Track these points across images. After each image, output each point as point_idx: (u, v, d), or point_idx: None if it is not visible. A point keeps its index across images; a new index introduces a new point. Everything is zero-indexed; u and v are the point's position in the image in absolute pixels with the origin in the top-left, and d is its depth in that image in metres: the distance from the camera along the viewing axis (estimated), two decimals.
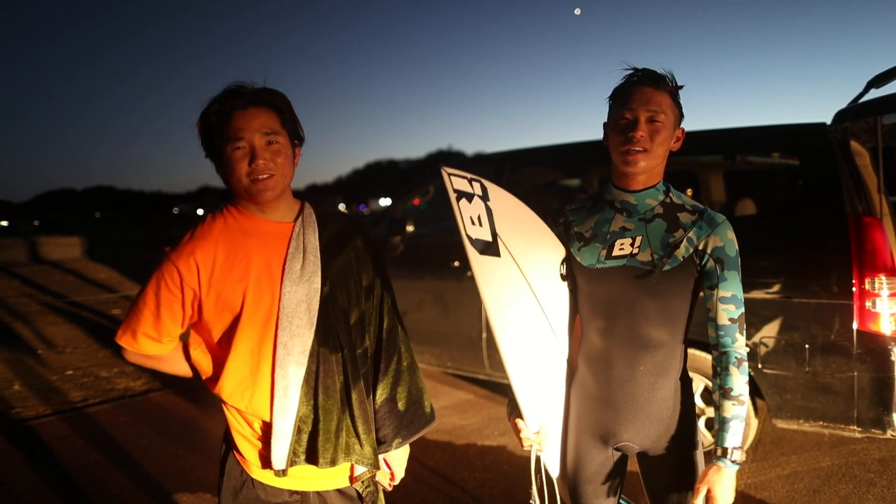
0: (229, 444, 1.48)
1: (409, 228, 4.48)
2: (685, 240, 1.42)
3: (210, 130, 1.35)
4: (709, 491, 1.37)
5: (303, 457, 1.37)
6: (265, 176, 1.33)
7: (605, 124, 1.52)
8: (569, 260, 1.56)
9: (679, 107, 1.47)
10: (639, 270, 1.44)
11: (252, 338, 1.35)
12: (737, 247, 1.43)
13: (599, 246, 1.49)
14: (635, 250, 1.45)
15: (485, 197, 1.44)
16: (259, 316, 1.34)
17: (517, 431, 1.48)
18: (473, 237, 1.35)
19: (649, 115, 1.40)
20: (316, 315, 1.37)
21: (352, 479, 1.47)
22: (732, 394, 1.39)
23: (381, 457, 1.53)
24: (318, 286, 1.38)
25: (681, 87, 1.46)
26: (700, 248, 1.42)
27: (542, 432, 1.47)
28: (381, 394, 1.51)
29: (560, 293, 1.56)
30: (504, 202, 1.51)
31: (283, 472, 1.37)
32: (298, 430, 1.36)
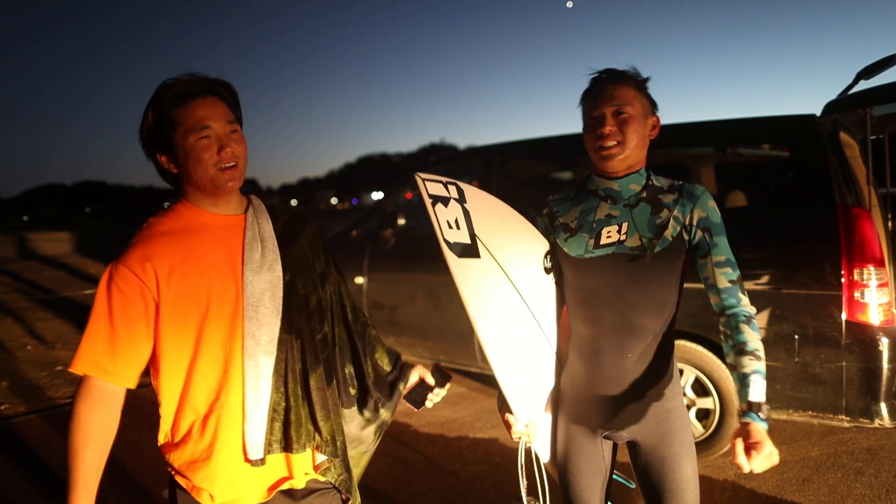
0: (180, 490, 1.39)
1: (401, 222, 4.47)
2: (671, 219, 1.44)
3: (163, 121, 1.29)
4: (751, 445, 1.22)
5: (276, 446, 1.35)
6: (232, 164, 1.32)
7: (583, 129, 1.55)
8: (555, 251, 1.56)
9: (647, 95, 1.49)
10: (629, 256, 1.44)
11: (221, 332, 1.32)
12: (719, 213, 1.47)
13: (586, 235, 1.49)
14: (623, 237, 1.46)
15: (461, 199, 1.43)
16: (227, 308, 1.32)
17: (508, 426, 1.50)
18: (451, 241, 1.34)
19: (614, 110, 1.44)
20: (281, 302, 1.37)
21: (315, 467, 1.46)
22: (748, 349, 1.34)
23: (418, 374, 1.64)
24: (280, 274, 1.38)
25: (646, 79, 1.49)
26: (687, 223, 1.45)
27: (532, 425, 1.49)
28: (381, 359, 1.62)
29: (545, 286, 1.56)
30: (481, 202, 1.50)
31: (262, 461, 1.34)
32: (272, 420, 1.34)
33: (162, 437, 1.40)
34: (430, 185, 1.38)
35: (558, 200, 1.60)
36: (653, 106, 1.50)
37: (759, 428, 1.26)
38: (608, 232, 1.47)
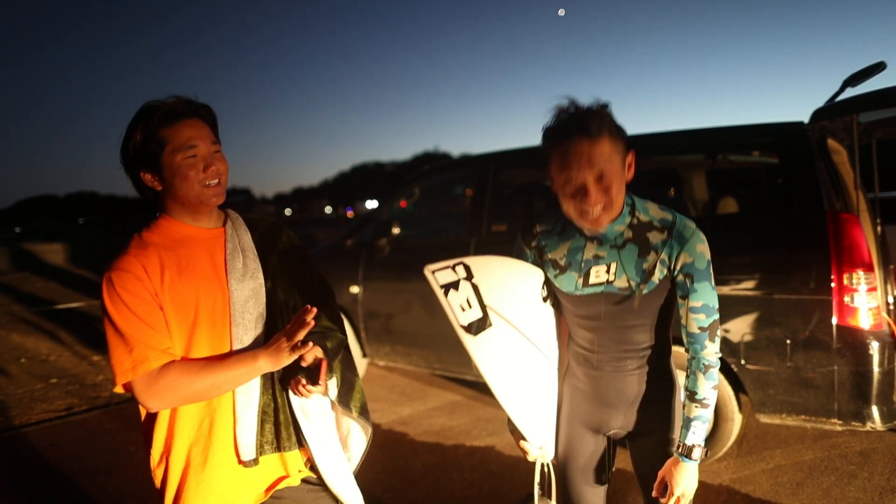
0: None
1: (396, 231, 4.49)
2: (658, 262, 1.43)
3: (150, 139, 1.35)
4: (667, 481, 1.46)
5: (268, 447, 1.42)
6: (216, 182, 1.40)
7: (547, 167, 1.44)
8: (548, 283, 1.58)
9: (619, 136, 1.38)
10: (618, 297, 1.46)
11: (211, 338, 1.39)
12: (708, 256, 1.43)
13: (575, 274, 1.51)
14: (612, 277, 1.46)
15: (469, 276, 1.49)
16: (215, 316, 1.39)
17: (524, 452, 1.58)
18: (465, 324, 1.43)
19: (596, 174, 1.35)
20: (264, 308, 1.44)
21: (306, 463, 1.52)
22: (697, 397, 1.45)
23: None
24: (262, 281, 1.46)
25: (610, 115, 1.37)
26: (672, 266, 1.44)
27: (547, 446, 1.58)
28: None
29: (546, 318, 1.61)
30: (485, 269, 1.53)
31: (255, 462, 1.41)
32: (262, 421, 1.41)
33: (156, 454, 1.44)
34: (440, 275, 1.46)
35: (545, 233, 1.57)
36: (625, 143, 1.40)
37: (684, 468, 1.43)
38: (597, 272, 1.48)
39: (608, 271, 1.46)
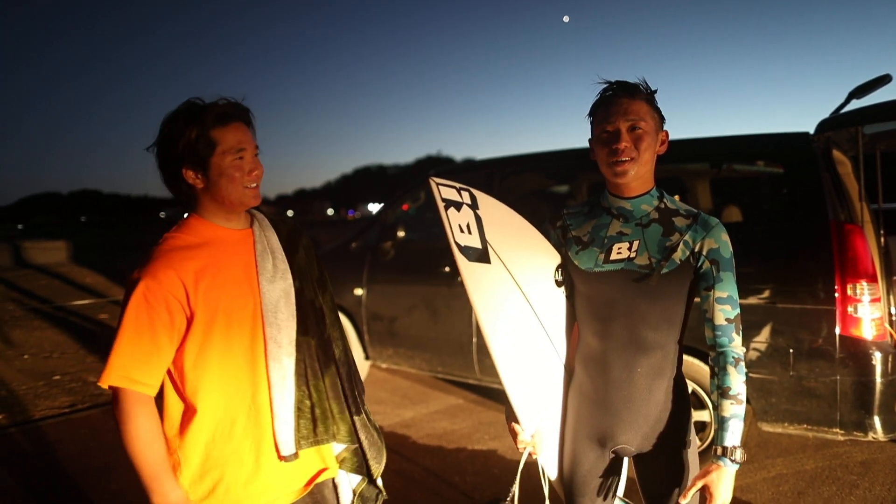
0: None
1: (401, 234, 4.51)
2: (681, 243, 1.45)
3: (201, 138, 1.37)
4: (707, 489, 1.38)
5: (304, 442, 1.45)
6: (255, 184, 1.46)
7: (590, 140, 1.55)
8: (566, 264, 1.59)
9: (658, 111, 1.50)
10: (637, 274, 1.46)
11: (244, 338, 1.42)
12: (731, 249, 1.47)
13: (597, 250, 1.52)
14: (633, 254, 1.47)
15: (474, 206, 1.47)
16: (247, 317, 1.42)
17: (514, 435, 1.50)
18: (462, 244, 1.37)
19: (630, 125, 1.44)
20: (294, 308, 1.48)
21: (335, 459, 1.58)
22: (731, 393, 1.40)
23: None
24: (291, 282, 1.50)
25: (654, 91, 1.49)
26: (696, 250, 1.45)
27: (538, 436, 1.49)
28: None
29: (555, 299, 1.59)
30: (494, 211, 1.53)
31: (295, 456, 1.44)
32: (297, 417, 1.45)
33: (191, 456, 1.42)
34: (444, 190, 1.42)
35: (572, 214, 1.62)
36: (661, 121, 1.51)
37: (725, 473, 1.37)
38: (619, 248, 1.49)
39: (630, 248, 1.48)
